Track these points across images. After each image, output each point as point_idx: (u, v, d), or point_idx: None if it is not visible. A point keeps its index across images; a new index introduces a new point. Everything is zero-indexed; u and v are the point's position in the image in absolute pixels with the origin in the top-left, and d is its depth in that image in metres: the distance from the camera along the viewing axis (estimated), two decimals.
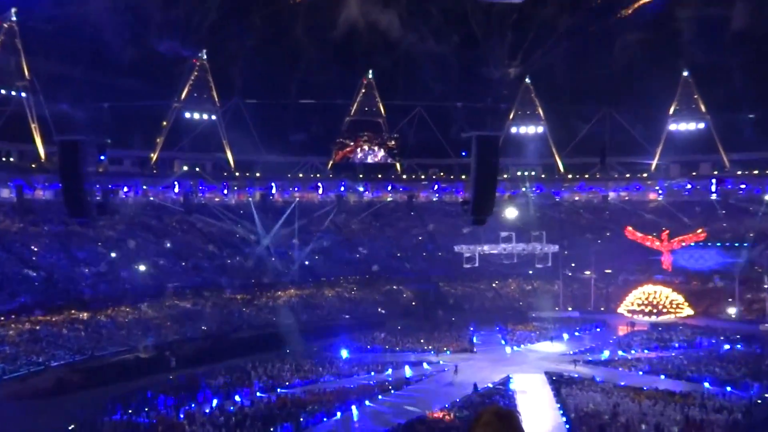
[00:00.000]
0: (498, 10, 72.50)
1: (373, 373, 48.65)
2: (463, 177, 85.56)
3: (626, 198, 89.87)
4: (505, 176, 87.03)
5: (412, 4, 74.06)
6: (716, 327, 63.42)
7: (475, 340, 61.20)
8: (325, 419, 38.23)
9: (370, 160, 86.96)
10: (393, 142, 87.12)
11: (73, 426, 35.34)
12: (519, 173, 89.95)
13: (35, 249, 63.41)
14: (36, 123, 69.26)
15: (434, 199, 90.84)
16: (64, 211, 35.91)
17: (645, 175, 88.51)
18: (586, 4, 73.09)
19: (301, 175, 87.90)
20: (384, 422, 37.30)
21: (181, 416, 38.00)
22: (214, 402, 40.71)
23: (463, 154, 77.24)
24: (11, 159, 70.32)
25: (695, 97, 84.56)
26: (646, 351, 55.83)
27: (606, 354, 54.55)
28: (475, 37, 77.90)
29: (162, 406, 39.53)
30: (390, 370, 49.25)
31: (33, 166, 69.85)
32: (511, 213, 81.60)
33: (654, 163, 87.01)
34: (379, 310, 73.44)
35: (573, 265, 78.23)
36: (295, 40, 75.44)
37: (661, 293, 71.74)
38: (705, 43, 74.16)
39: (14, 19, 66.60)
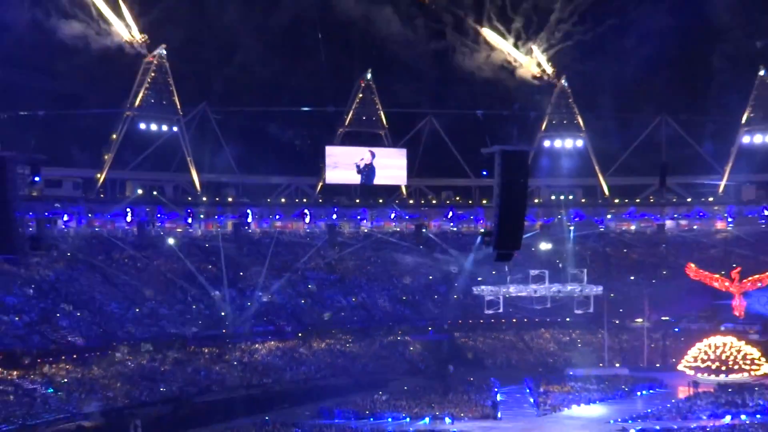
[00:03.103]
0: None
1: None
2: (484, 202, 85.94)
3: (687, 227, 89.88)
4: (537, 201, 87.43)
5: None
6: None
7: (498, 398, 61.17)
8: None
9: (368, 181, 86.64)
10: (397, 159, 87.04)
11: None
12: (553, 197, 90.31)
13: None
14: None
15: (448, 229, 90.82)
16: None
17: (711, 199, 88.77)
18: None
19: (283, 201, 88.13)
20: None
21: None
22: None
23: (484, 173, 77.30)
24: None
25: None
26: (713, 418, 55.67)
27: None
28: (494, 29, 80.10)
29: None
30: None
31: None
32: (543, 246, 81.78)
33: (722, 184, 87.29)
34: (381, 366, 73.23)
35: (621, 311, 78.18)
36: (277, 34, 76.53)
37: (731, 346, 71.55)
38: None
39: None
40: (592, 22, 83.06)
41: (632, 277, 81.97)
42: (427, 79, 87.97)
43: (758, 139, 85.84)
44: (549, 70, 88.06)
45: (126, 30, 77.07)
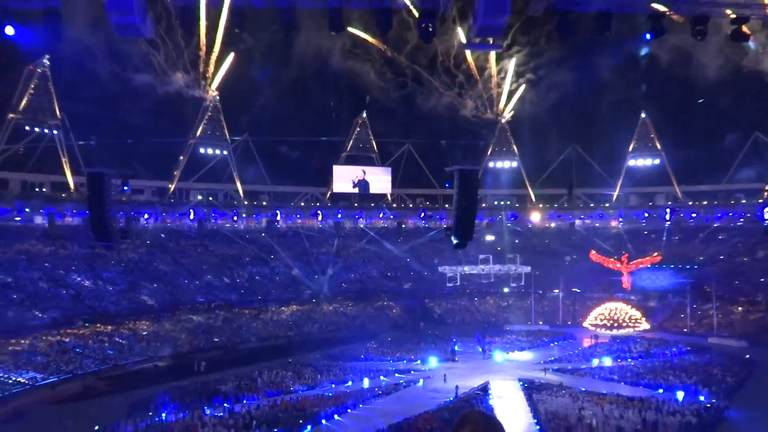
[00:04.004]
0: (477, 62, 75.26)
1: (366, 379, 48.53)
2: (447, 206, 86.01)
3: (590, 225, 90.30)
4: (484, 205, 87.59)
5: (402, 60, 77.05)
6: (670, 339, 63.74)
7: (456, 347, 61.23)
8: (323, 421, 38.18)
9: (364, 191, 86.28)
10: (384, 175, 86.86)
11: (97, 428, 35.18)
12: (496, 203, 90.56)
13: (64, 270, 63.36)
14: (66, 157, 69.66)
15: (421, 226, 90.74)
16: (91, 236, 36.06)
17: (607, 205, 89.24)
18: (552, 59, 74.59)
19: (302, 204, 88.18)
20: (373, 425, 37.13)
21: (195, 419, 37.86)
22: (224, 406, 40.57)
23: (447, 185, 77.72)
24: (44, 189, 70.49)
25: (652, 135, 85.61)
26: (608, 360, 55.90)
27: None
28: (458, 84, 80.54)
29: (178, 410, 39.38)
30: (381, 377, 49.20)
31: (63, 195, 70.04)
32: (488, 238, 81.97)
33: (615, 194, 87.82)
34: (372, 323, 73.04)
35: (543, 284, 78.37)
36: (299, 84, 76.83)
37: (621, 309, 71.81)
38: (659, 89, 76.39)
39: (47, 64, 67.14)
40: (516, 76, 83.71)
41: (552, 259, 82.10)
42: (397, 116, 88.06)
43: (640, 162, 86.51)
44: (508, 115, 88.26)
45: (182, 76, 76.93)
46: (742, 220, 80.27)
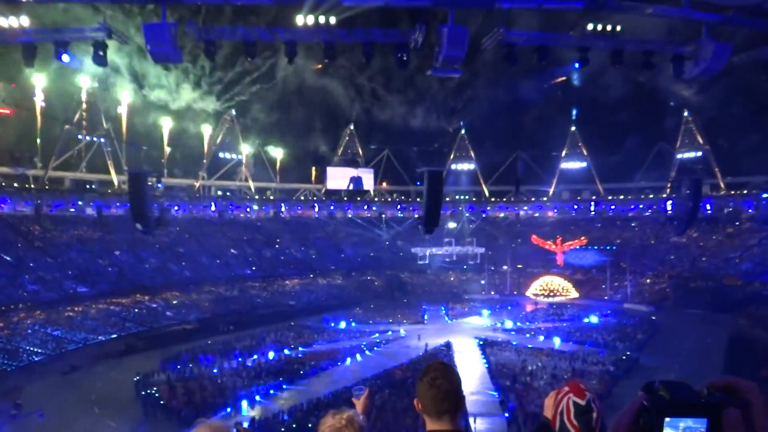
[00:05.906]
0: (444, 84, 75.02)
1: (353, 339, 48.72)
2: (418, 200, 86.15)
3: (532, 215, 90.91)
4: (447, 199, 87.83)
5: (385, 85, 76.63)
6: (593, 305, 64.52)
7: (426, 316, 61.56)
8: (318, 372, 38.28)
9: (351, 187, 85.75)
10: (368, 175, 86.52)
11: (137, 377, 35.04)
12: (457, 197, 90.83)
13: (110, 250, 62.64)
14: (111, 160, 68.84)
15: (397, 216, 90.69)
16: (132, 223, 35.72)
17: (545, 199, 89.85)
18: (503, 83, 74.41)
19: (302, 198, 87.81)
20: (360, 374, 37.32)
21: (215, 370, 37.83)
22: (240, 359, 40.54)
23: (418, 183, 78.33)
24: (93, 186, 69.62)
25: (579, 144, 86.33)
26: (545, 322, 56.57)
27: (509, 324, 54.74)
28: (426, 103, 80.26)
29: (202, 363, 39.30)
30: (365, 337, 49.40)
31: (109, 191, 69.12)
32: (451, 225, 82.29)
33: (551, 190, 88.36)
34: (358, 293, 73.14)
35: (494, 261, 78.88)
36: (299, 103, 76.38)
37: (555, 281, 72.84)
38: (586, 108, 77.11)
39: (96, 85, 66.33)
40: (460, 93, 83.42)
41: (502, 242, 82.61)
42: (377, 127, 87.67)
43: (571, 165, 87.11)
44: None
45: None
46: (650, 211, 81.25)
